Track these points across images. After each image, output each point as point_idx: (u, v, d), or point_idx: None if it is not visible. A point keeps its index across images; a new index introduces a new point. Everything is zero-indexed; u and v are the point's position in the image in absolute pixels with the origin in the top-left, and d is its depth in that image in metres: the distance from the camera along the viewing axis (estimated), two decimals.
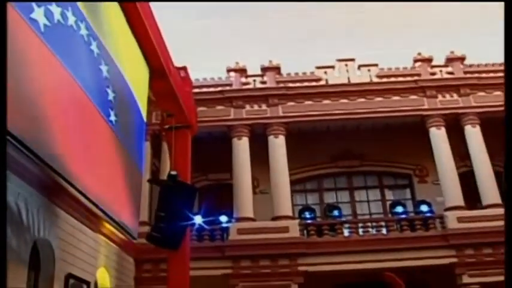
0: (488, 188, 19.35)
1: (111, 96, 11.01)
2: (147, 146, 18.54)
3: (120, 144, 12.00)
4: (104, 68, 10.77)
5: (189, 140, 15.71)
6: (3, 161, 5.73)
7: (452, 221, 18.66)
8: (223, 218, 19.26)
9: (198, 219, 17.41)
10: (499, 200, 19.11)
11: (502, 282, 17.02)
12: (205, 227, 18.32)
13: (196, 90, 19.63)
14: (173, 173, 12.29)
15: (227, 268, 18.30)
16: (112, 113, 11.21)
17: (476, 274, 17.95)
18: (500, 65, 21.51)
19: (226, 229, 18.93)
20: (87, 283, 12.43)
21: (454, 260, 18.24)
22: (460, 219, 18.64)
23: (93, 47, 10.37)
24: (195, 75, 19.55)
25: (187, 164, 15.03)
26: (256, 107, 20.73)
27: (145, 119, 14.03)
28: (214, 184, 22.02)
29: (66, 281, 11.29)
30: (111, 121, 11.19)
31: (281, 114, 20.65)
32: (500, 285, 17.75)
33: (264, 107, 20.75)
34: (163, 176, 15.54)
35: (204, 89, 20.83)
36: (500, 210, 18.62)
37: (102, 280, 14.17)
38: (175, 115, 14.89)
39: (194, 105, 17.52)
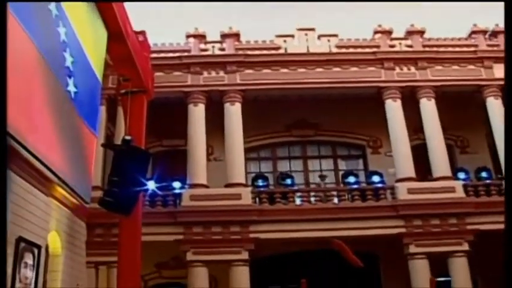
0: (439, 161, 20.05)
1: (68, 60, 11.11)
2: (102, 110, 18.55)
3: (75, 107, 12.11)
4: (61, 30, 10.76)
5: (145, 105, 15.89)
6: (3, 161, 5.83)
7: (402, 192, 19.29)
8: (176, 184, 19.49)
9: (151, 185, 17.68)
10: (449, 173, 19.94)
11: (447, 252, 18.07)
12: (158, 192, 18.63)
13: (154, 55, 19.65)
14: (127, 137, 12.45)
15: (179, 234, 18.59)
16: (68, 76, 11.32)
17: (423, 244, 18.70)
18: (459, 39, 22.17)
19: (179, 195, 19.16)
20: (38, 247, 12.53)
21: (403, 230, 18.92)
22: (410, 191, 19.27)
23: (52, 6, 10.27)
24: (153, 40, 19.63)
25: (142, 129, 15.24)
26: (213, 73, 20.85)
27: (101, 83, 14.15)
28: (168, 150, 22.21)
29: (17, 245, 11.35)
30: (67, 84, 11.31)
31: (238, 81, 20.81)
32: (445, 255, 18.71)
33: (221, 74, 20.87)
34: (118, 141, 15.65)
35: (162, 55, 20.82)
36: (450, 183, 19.55)
37: (53, 244, 14.32)
38: (131, 80, 15.06)
39: (151, 70, 17.65)
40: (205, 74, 20.82)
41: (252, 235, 18.67)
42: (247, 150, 21.16)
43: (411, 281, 18.34)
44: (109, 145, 16.54)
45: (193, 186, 19.15)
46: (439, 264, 18.78)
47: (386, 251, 19.98)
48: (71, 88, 11.57)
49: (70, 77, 11.33)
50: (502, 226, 18.79)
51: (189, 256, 18.46)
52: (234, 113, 20.35)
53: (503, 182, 19.79)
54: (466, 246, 18.80)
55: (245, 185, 19.71)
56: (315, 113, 22.43)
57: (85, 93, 12.67)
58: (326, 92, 21.54)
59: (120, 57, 14.32)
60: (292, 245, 19.68)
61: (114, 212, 12.95)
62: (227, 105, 20.50)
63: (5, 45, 6.26)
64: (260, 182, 20.52)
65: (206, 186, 19.25)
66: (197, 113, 20.17)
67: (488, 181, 20.60)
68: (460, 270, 18.63)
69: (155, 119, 17.32)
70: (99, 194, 14.82)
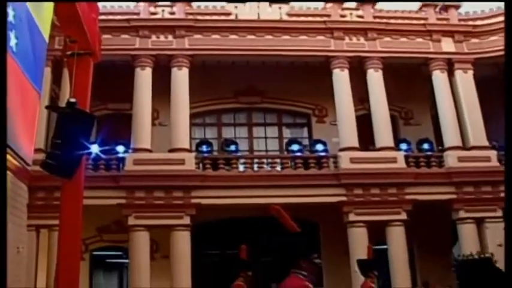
0: (383, 132, 20.93)
1: (10, 15, 11.29)
2: (47, 72, 18.67)
3: (18, 66, 12.36)
4: None
5: (91, 68, 16.07)
6: (3, 162, 6.19)
7: (345, 161, 20.11)
8: (120, 148, 19.83)
9: (94, 148, 18.00)
10: (391, 144, 20.85)
11: (386, 221, 19.11)
12: (102, 156, 19.02)
13: (103, 17, 19.61)
14: (72, 100, 12.66)
15: (121, 198, 19.09)
16: (11, 34, 11.55)
17: (363, 213, 19.71)
18: (409, 12, 22.93)
19: (123, 159, 19.56)
20: None
21: (343, 198, 19.86)
22: (353, 160, 20.13)
23: None
24: (102, 2, 19.67)
25: (87, 92, 15.48)
26: (162, 37, 21.10)
27: (47, 42, 14.39)
28: (113, 114, 22.42)
29: None
30: (10, 46, 11.58)
31: (187, 46, 21.08)
32: (383, 223, 19.78)
33: (170, 38, 21.12)
34: (62, 103, 15.91)
35: (111, 17, 20.84)
36: (392, 153, 20.49)
37: None
38: (78, 41, 15.26)
39: (99, 32, 17.77)
40: (154, 37, 21.06)
41: (194, 200, 19.28)
42: (192, 116, 21.56)
43: (349, 248, 19.31)
44: (53, 107, 16.71)
45: (137, 150, 19.55)
46: (377, 233, 19.89)
47: (327, 219, 20.85)
48: (12, 41, 11.79)
49: (11, 30, 11.53)
50: (439, 197, 20.14)
51: (131, 220, 18.97)
52: (181, 78, 20.67)
53: (443, 154, 20.99)
54: (404, 216, 19.84)
55: (189, 151, 20.19)
56: (263, 80, 22.90)
57: (28, 49, 12.84)
58: (274, 59, 22.12)
59: (67, 18, 14.44)
60: (234, 211, 20.36)
61: (56, 175, 13.23)
62: (174, 69, 20.79)
63: (5, 46, 6.64)
64: (204, 148, 21.02)
65: (150, 151, 19.66)
66: (144, 77, 20.45)
67: (429, 153, 21.63)
68: (397, 239, 19.71)
69: (101, 82, 17.35)
70: (42, 156, 15.12)
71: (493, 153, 21.13)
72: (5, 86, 6.56)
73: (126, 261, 20.14)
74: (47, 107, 16.74)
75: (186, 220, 19.15)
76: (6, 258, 6.40)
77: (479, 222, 20.39)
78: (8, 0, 7.36)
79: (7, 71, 11.94)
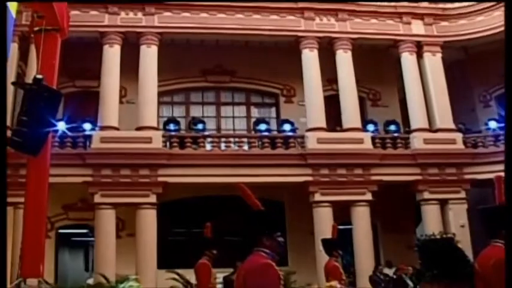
0: (350, 112, 21.23)
1: None
2: (14, 48, 18.51)
3: None
4: None
5: (58, 44, 16.01)
6: (3, 161, 6.18)
7: (312, 141, 20.39)
8: (87, 126, 19.84)
9: (61, 126, 18.12)
10: (358, 125, 21.18)
11: (351, 201, 19.43)
12: (68, 133, 19.05)
13: None
14: (39, 76, 12.64)
15: (87, 176, 19.15)
16: None
17: (329, 193, 20.08)
18: None
19: (89, 137, 19.58)
20: None
21: (309, 178, 20.16)
22: (320, 140, 20.42)
23: None
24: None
25: (54, 69, 15.44)
26: (131, 14, 21.01)
27: (14, 17, 14.31)
28: (81, 91, 22.37)
29: None
30: None
31: (156, 24, 21.03)
32: (348, 203, 20.14)
33: (139, 15, 21.04)
34: (29, 80, 15.84)
35: None
36: (359, 134, 20.80)
37: None
38: (46, 17, 15.22)
39: (67, 8, 17.70)
40: (123, 14, 20.96)
41: (160, 179, 19.45)
42: (160, 94, 21.62)
43: (314, 228, 19.69)
44: (19, 84, 16.65)
45: (104, 128, 19.60)
46: (343, 212, 20.27)
47: (292, 199, 21.29)
48: None
49: None
50: (404, 178, 20.55)
51: (97, 198, 19.07)
52: (149, 55, 20.67)
53: (409, 136, 21.35)
54: (369, 196, 20.26)
55: (156, 129, 20.31)
56: (232, 59, 23.00)
57: None
58: (244, 38, 22.28)
59: None
60: (201, 190, 20.62)
61: (22, 152, 13.25)
62: (143, 47, 20.76)
63: (5, 46, 6.66)
64: (171, 126, 21.16)
65: (117, 129, 19.72)
66: (112, 55, 20.41)
67: (395, 134, 22.04)
68: (361, 219, 20.15)
69: (69, 59, 17.29)
70: (8, 133, 15.15)
71: (458, 136, 21.57)
72: (5, 87, 6.61)
73: (92, 239, 20.23)
74: (13, 84, 16.65)
75: (153, 198, 19.32)
76: (6, 258, 6.43)
77: (442, 204, 20.90)
78: (8, 0, 7.37)
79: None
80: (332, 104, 21.74)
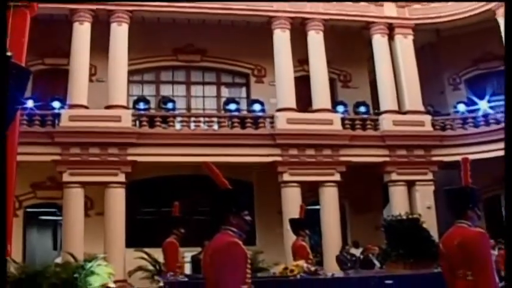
0: (321, 93, 21.29)
1: None
2: None
3: None
4: None
5: (27, 21, 15.90)
6: (3, 161, 6.08)
7: (281, 121, 20.48)
8: (55, 104, 19.68)
9: (29, 103, 17.98)
10: (328, 106, 21.29)
11: (320, 181, 19.54)
12: (37, 111, 18.93)
13: None
14: (7, 54, 12.66)
15: (56, 154, 19.00)
16: None
17: (297, 173, 20.20)
18: None
19: (58, 115, 19.43)
20: None
21: (278, 158, 20.27)
22: (289, 121, 20.50)
23: None
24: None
25: (23, 46, 15.30)
26: None
27: None
28: (50, 69, 22.11)
29: None
30: None
31: (127, 1, 20.73)
32: (317, 184, 20.27)
33: None
34: None
35: None
36: (328, 115, 20.89)
37: None
38: None
39: None
40: None
41: (129, 158, 19.40)
42: (130, 73, 21.52)
43: (283, 208, 19.84)
44: None
45: (73, 106, 19.41)
46: (311, 193, 20.43)
47: (261, 179, 21.34)
48: None
49: None
50: (372, 159, 20.73)
51: (66, 177, 18.97)
52: (120, 34, 20.48)
53: (378, 118, 21.46)
54: (337, 177, 20.43)
55: (126, 108, 20.23)
56: (203, 38, 22.92)
57: None
58: (215, 17, 22.13)
59: None
60: (170, 169, 20.67)
61: None
62: (114, 25, 20.55)
63: (5, 45, 6.55)
64: (141, 105, 21.04)
65: (86, 107, 19.56)
66: (82, 32, 20.16)
67: (365, 116, 22.20)
68: (329, 199, 20.35)
69: (38, 36, 17.19)
70: None
71: (427, 118, 21.80)
72: (5, 87, 6.53)
73: (60, 218, 20.14)
74: None
75: (121, 177, 19.29)
76: (6, 257, 6.38)
77: (410, 185, 21.17)
78: (8, 0, 7.26)
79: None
80: (303, 85, 21.74)
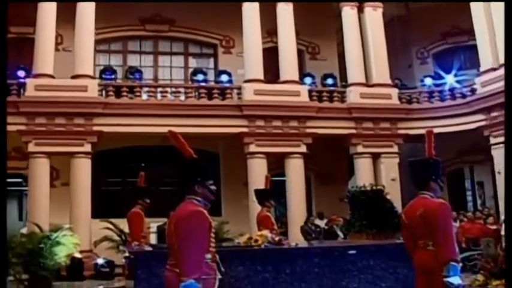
0: (289, 65, 21.19)
1: None
2: None
3: None
4: None
5: None
6: (3, 157, 5.96)
7: (248, 92, 20.43)
8: (21, 73, 19.44)
9: None
10: (296, 77, 21.25)
11: (286, 153, 19.59)
12: None
13: None
14: None
15: (21, 124, 18.77)
16: None
17: (264, 144, 20.27)
18: None
19: (24, 85, 19.17)
20: None
21: (245, 129, 20.30)
22: (257, 92, 20.46)
23: None
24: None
25: None
26: None
27: None
28: (15, 37, 21.25)
29: None
30: None
31: None
32: (283, 155, 20.36)
33: None
34: None
35: None
36: (296, 87, 20.89)
37: None
38: None
39: None
40: None
41: (95, 128, 19.25)
42: (97, 42, 21.30)
43: (248, 179, 19.92)
44: None
45: (39, 76, 19.13)
46: (277, 164, 20.54)
47: (228, 150, 21.41)
48: None
49: None
50: (338, 131, 20.84)
51: (31, 147, 18.80)
52: (87, 2, 20.04)
53: (346, 90, 21.53)
54: (303, 148, 20.52)
55: (92, 77, 19.95)
56: (171, 8, 22.72)
57: None
58: None
59: None
60: (136, 139, 20.50)
61: None
62: None
63: (5, 45, 6.40)
64: (108, 75, 20.87)
65: (52, 77, 19.25)
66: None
67: (332, 88, 22.25)
68: (295, 171, 20.46)
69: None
70: None
71: (394, 91, 21.93)
72: (5, 87, 6.44)
73: (26, 188, 19.95)
74: None
75: (87, 147, 19.15)
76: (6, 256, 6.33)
77: (375, 157, 21.35)
78: (8, 0, 7.11)
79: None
80: (271, 56, 21.65)
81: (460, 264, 5.74)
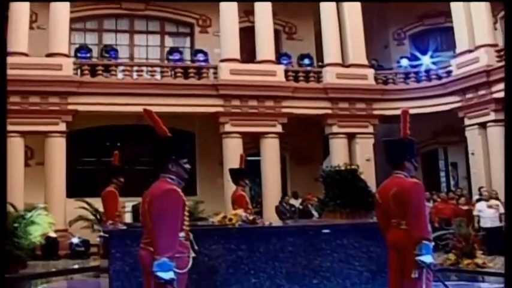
0: (265, 45, 21.16)
1: None
2: None
3: None
4: None
5: None
6: (3, 160, 5.84)
7: (225, 72, 20.34)
8: None
9: None
10: (272, 57, 21.20)
11: (261, 132, 19.62)
12: None
13: None
14: None
15: None
16: None
17: (239, 124, 20.28)
18: None
19: None
20: None
21: (221, 109, 20.27)
22: (233, 71, 20.35)
23: None
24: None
25: None
26: None
27: None
28: None
29: None
30: None
31: None
32: (258, 135, 20.37)
33: None
34: None
35: None
36: (272, 67, 20.86)
37: None
38: None
39: None
40: None
41: (70, 107, 19.06)
42: (72, 20, 20.93)
43: (224, 159, 19.89)
44: None
45: (13, 54, 18.72)
46: (252, 144, 20.59)
47: (204, 129, 21.39)
48: None
49: None
50: (314, 111, 20.88)
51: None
52: None
53: (322, 70, 21.53)
54: (279, 128, 20.58)
55: (67, 56, 19.76)
56: None
57: None
58: None
59: None
60: (111, 119, 20.37)
61: None
62: None
63: (5, 45, 6.29)
64: (83, 54, 20.66)
65: (26, 55, 19.01)
66: None
67: (308, 68, 22.27)
68: (270, 150, 20.53)
69: None
70: None
71: (370, 72, 21.99)
72: (5, 86, 6.34)
73: None
74: None
75: (62, 127, 18.99)
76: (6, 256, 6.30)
77: (350, 138, 21.44)
78: (8, 0, 6.98)
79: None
80: (247, 36, 21.53)
81: (433, 243, 5.82)
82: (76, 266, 16.08)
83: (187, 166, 5.45)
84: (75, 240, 18.03)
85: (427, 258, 5.63)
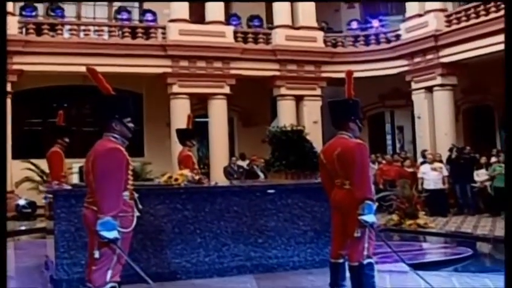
0: (215, 5, 21.16)
1: None
2: None
3: None
4: None
5: None
6: (3, 156, 5.60)
7: (173, 32, 20.17)
8: None
9: None
10: (222, 18, 21.11)
11: (209, 94, 19.53)
12: None
13: None
14: None
15: None
16: None
17: (187, 85, 20.21)
18: None
19: None
20: None
21: (169, 70, 20.14)
22: (182, 32, 20.20)
23: None
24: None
25: None
26: None
27: None
28: None
29: None
30: None
31: None
32: (206, 96, 20.32)
33: None
34: None
35: None
36: (221, 27, 20.72)
37: None
38: None
39: None
40: None
41: (15, 67, 18.44)
42: None
43: (171, 120, 19.85)
44: None
45: None
46: (200, 105, 20.54)
47: (151, 90, 21.25)
48: None
49: None
50: (262, 73, 20.88)
51: None
52: None
53: (271, 32, 21.45)
54: (227, 90, 20.62)
55: (12, 14, 19.06)
56: None
57: None
58: None
59: None
60: (57, 79, 20.07)
61: None
62: None
63: (5, 45, 5.96)
64: (28, 12, 20.07)
65: None
66: None
67: (258, 29, 22.21)
68: (218, 112, 20.61)
69: None
70: None
71: (319, 34, 22.09)
72: (4, 86, 6.12)
73: None
74: None
75: (7, 87, 18.30)
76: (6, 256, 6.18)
77: (298, 100, 21.54)
78: (8, 0, 6.66)
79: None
80: None
81: (376, 203, 5.90)
82: (23, 228, 15.97)
83: (131, 125, 5.39)
84: (21, 201, 17.88)
85: (370, 218, 5.72)
